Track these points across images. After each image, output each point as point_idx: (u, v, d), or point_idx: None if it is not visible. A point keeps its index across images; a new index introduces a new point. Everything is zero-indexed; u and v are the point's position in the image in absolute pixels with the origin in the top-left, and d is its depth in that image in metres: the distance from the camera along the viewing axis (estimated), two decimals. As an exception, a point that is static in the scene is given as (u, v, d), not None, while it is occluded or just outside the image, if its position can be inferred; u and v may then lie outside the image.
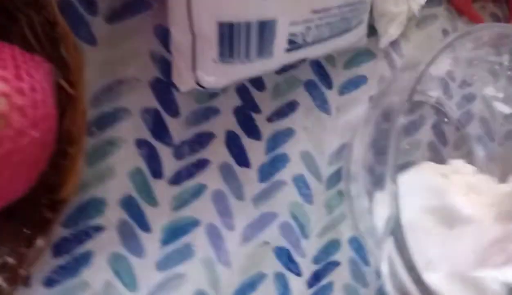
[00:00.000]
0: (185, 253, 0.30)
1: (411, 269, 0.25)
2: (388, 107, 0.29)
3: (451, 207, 0.31)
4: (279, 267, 0.33)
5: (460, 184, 0.32)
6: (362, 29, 0.34)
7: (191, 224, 0.31)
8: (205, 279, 0.30)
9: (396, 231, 0.25)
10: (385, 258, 0.26)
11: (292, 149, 0.35)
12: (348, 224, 0.35)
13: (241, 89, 0.34)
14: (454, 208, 0.31)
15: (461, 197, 0.31)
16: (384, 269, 0.27)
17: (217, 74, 0.29)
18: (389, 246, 0.26)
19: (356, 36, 0.34)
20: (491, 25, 0.38)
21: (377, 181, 0.29)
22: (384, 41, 0.38)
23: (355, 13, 0.31)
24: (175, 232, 0.30)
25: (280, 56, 0.30)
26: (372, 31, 0.39)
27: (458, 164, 0.36)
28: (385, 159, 0.28)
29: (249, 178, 0.33)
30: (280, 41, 0.29)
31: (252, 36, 0.28)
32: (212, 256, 0.31)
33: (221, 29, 0.27)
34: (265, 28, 0.28)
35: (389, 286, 0.27)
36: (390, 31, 0.38)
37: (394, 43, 0.40)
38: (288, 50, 0.30)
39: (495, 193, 0.33)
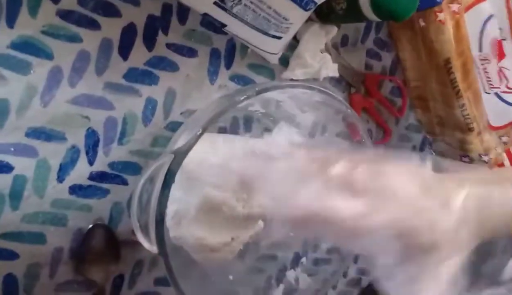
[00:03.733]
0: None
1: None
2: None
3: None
4: (81, 142, 0.36)
5: None
6: (277, 46, 0.41)
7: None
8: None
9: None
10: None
11: (168, 79, 0.39)
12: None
13: (167, 8, 0.38)
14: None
15: None
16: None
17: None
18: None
19: (269, 47, 0.40)
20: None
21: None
22: (286, 74, 0.45)
23: (276, 23, 0.37)
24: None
25: (207, 2, 0.35)
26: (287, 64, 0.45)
27: None
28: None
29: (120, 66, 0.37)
30: (213, -9, 0.34)
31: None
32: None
33: None
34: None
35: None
36: (296, 72, 0.45)
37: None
38: (215, 3, 0.35)
39: None
